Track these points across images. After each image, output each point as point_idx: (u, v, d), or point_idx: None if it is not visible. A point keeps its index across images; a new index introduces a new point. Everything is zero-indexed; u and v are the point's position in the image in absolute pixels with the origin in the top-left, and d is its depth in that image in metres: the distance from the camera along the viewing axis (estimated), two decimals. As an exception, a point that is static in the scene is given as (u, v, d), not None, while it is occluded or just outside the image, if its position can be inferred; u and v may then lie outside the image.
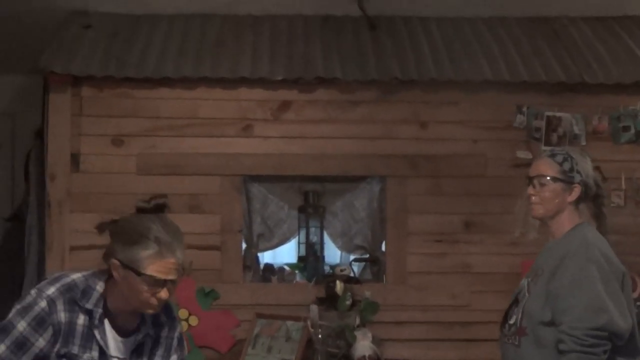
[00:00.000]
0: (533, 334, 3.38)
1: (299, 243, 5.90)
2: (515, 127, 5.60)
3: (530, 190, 3.55)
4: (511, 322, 3.50)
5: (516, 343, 3.44)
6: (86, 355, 2.91)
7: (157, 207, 2.97)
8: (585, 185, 3.48)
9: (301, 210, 5.79)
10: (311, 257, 5.81)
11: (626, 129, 5.63)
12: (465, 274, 5.57)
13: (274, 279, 5.71)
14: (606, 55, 5.81)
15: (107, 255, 2.91)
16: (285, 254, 6.21)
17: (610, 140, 5.61)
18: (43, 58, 5.41)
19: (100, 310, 2.91)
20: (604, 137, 5.61)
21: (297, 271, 5.77)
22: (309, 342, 5.21)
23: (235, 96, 5.55)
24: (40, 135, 5.61)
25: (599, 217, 3.55)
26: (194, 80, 5.50)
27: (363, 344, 5.14)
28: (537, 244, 5.32)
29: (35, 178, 5.72)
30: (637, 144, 5.64)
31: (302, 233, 5.84)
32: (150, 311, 2.92)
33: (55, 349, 2.87)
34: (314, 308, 5.28)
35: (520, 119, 5.60)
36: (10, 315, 2.90)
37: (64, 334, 2.87)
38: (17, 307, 2.90)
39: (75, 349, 2.89)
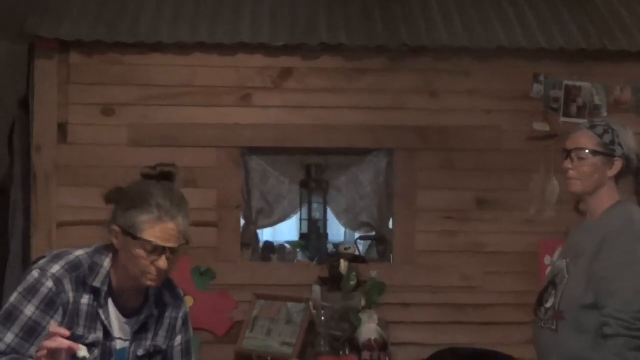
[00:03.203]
0: (572, 318, 3.37)
1: (300, 220, 5.90)
2: (531, 98, 5.59)
3: (568, 164, 3.51)
4: (547, 305, 3.49)
5: (553, 328, 3.43)
6: (92, 336, 2.91)
7: (162, 175, 2.98)
8: (627, 159, 3.46)
9: (303, 185, 5.79)
10: (314, 235, 5.82)
11: (650, 99, 5.61)
12: (478, 254, 5.57)
13: (274, 257, 5.71)
14: (630, 21, 5.78)
15: (110, 224, 2.93)
16: (286, 232, 6.22)
17: (634, 112, 5.57)
18: (28, 22, 5.38)
19: (106, 289, 2.92)
20: (627, 109, 5.58)
21: (298, 250, 5.77)
22: (311, 325, 5.22)
23: (233, 63, 5.54)
24: (25, 104, 5.58)
25: (638, 194, 3.53)
26: (189, 46, 5.48)
27: (369, 327, 5.15)
28: (554, 223, 5.39)
29: (19, 150, 5.69)
30: (662, 116, 5.62)
31: (304, 209, 5.84)
32: (150, 283, 2.91)
33: None
34: (317, 289, 5.28)
35: (537, 88, 5.58)
36: (14, 299, 2.87)
37: (70, 314, 2.87)
38: (20, 290, 2.88)
39: (80, 330, 2.89)
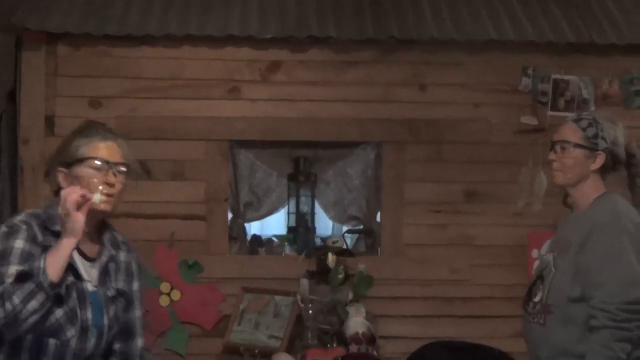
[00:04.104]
0: (560, 311, 3.40)
1: (288, 213, 5.90)
2: (520, 91, 5.60)
3: (552, 155, 3.56)
4: (536, 299, 3.51)
5: (541, 322, 3.46)
6: (69, 279, 3.03)
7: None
8: (610, 153, 3.48)
9: (291, 178, 5.79)
10: (301, 228, 5.82)
11: (638, 93, 5.63)
12: (466, 247, 5.59)
13: (262, 250, 5.71)
14: (618, 15, 5.80)
15: (50, 173, 3.17)
16: (274, 225, 6.21)
17: (622, 106, 5.62)
18: (16, 14, 5.37)
19: None
20: (615, 102, 5.62)
21: (286, 243, 5.77)
22: (299, 318, 5.23)
23: (222, 56, 5.54)
24: (12, 96, 5.59)
25: (632, 189, 3.55)
26: (178, 38, 5.49)
27: (356, 320, 5.16)
28: (543, 216, 5.41)
29: (7, 142, 5.70)
30: (650, 109, 5.65)
31: (292, 202, 5.84)
32: (104, 206, 3.06)
33: None
34: (304, 282, 5.29)
35: (525, 82, 5.60)
36: None
37: None
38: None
39: None
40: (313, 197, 5.83)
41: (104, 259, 3.17)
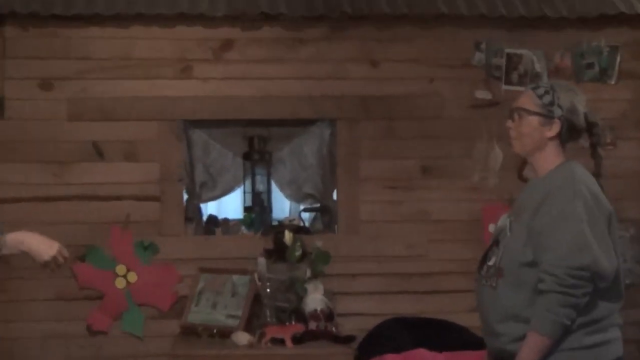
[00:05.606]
0: (512, 275, 3.39)
1: (244, 192, 5.87)
2: (473, 65, 5.60)
3: (509, 123, 3.56)
4: (490, 263, 3.51)
5: (493, 285, 3.45)
6: None
7: None
8: (567, 121, 3.48)
9: (246, 157, 5.75)
10: (258, 207, 5.79)
11: (590, 66, 5.67)
12: (422, 222, 5.60)
13: (218, 230, 5.68)
14: (568, -13, 5.80)
15: None
16: (230, 205, 6.18)
17: (573, 79, 5.63)
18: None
19: None
20: (567, 75, 5.63)
21: (243, 226, 5.74)
22: (257, 297, 5.22)
23: (173, 35, 5.50)
24: (-40, 79, 5.49)
25: (594, 158, 3.56)
26: (127, 18, 5.43)
27: (314, 297, 5.16)
28: (498, 190, 5.42)
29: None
30: (601, 82, 5.67)
31: (248, 182, 5.81)
32: None
33: None
34: (262, 260, 5.27)
35: (478, 56, 5.61)
36: None
37: None
38: None
39: None
40: (269, 176, 5.81)
41: None
